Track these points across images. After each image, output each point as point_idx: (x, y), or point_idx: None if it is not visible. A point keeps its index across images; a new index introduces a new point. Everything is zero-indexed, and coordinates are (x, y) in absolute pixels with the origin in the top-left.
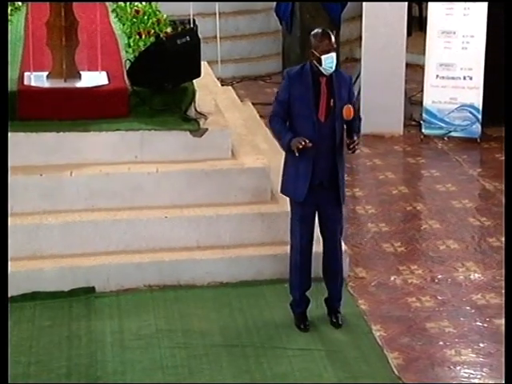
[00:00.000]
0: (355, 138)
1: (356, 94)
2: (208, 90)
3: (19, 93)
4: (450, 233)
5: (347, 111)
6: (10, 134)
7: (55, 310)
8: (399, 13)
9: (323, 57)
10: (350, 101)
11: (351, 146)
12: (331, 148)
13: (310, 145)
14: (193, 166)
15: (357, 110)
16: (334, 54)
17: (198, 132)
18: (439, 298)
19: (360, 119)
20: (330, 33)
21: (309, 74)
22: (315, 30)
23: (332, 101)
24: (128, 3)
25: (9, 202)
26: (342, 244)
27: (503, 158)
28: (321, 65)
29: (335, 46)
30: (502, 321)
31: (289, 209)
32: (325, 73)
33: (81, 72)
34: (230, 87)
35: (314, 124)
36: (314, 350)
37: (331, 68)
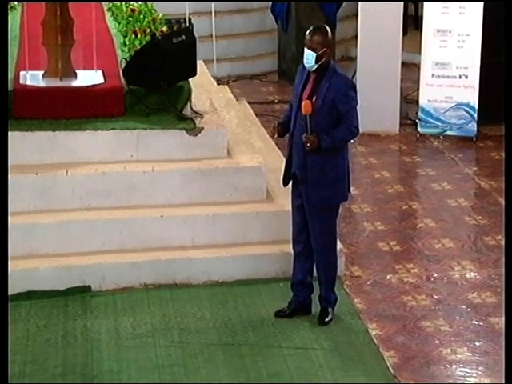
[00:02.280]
0: (312, 136)
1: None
2: (204, 88)
3: (15, 92)
4: (446, 231)
5: (305, 106)
6: None
7: (51, 309)
8: (395, 11)
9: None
10: (336, 105)
11: (305, 141)
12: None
13: (275, 132)
14: (188, 164)
15: (347, 120)
16: (308, 52)
17: (193, 131)
18: (435, 296)
19: (350, 130)
20: (318, 30)
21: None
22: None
23: (315, 98)
24: (124, 2)
25: None
26: (338, 244)
27: (499, 156)
28: None
29: (315, 44)
30: (498, 319)
31: (284, 208)
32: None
33: (76, 71)
34: (225, 86)
35: (297, 117)
36: (309, 348)
37: (306, 63)
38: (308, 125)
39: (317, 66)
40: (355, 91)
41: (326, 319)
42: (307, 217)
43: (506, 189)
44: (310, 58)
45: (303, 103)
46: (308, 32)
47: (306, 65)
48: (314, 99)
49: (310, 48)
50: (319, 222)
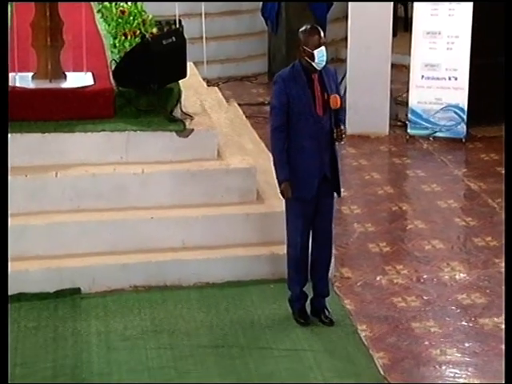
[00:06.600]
0: (342, 127)
1: (342, 91)
2: (194, 90)
3: None
4: (436, 233)
5: (334, 100)
6: None
7: (41, 311)
8: (385, 13)
9: (315, 51)
10: (337, 92)
11: (339, 135)
12: (330, 140)
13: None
14: (178, 166)
15: (342, 102)
16: (324, 48)
17: (183, 133)
18: (425, 297)
19: (344, 110)
20: (316, 28)
21: (301, 72)
22: (303, 27)
23: (326, 95)
24: (113, 3)
25: None
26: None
27: (488, 158)
28: (313, 60)
29: (324, 41)
30: (487, 320)
31: (275, 209)
32: (317, 67)
33: (66, 73)
34: (215, 88)
35: (315, 120)
36: (299, 350)
37: (323, 62)
38: (338, 118)
39: None
40: None
41: (330, 317)
42: (326, 210)
43: (506, 189)
44: (326, 55)
45: (332, 98)
46: (313, 32)
47: (323, 63)
48: (325, 96)
49: (324, 45)
50: (332, 212)
